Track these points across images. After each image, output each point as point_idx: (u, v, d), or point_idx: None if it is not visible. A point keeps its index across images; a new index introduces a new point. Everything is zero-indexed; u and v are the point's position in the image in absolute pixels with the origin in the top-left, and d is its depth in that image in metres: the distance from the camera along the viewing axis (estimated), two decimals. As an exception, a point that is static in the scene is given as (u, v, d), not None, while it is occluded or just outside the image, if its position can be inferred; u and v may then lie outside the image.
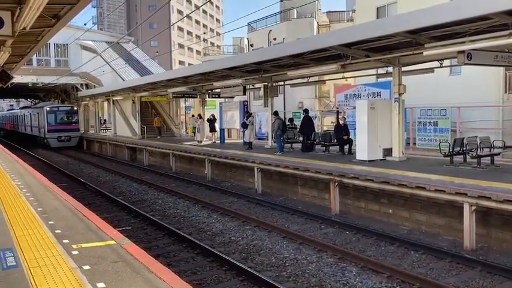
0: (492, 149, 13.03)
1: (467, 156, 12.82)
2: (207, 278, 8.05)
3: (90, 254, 5.74)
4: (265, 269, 8.53)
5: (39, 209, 8.48)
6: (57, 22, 10.34)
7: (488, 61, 11.41)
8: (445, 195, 9.77)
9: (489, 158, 12.75)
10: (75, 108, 38.74)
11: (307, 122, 18.20)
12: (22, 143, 42.76)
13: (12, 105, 75.63)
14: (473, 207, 9.27)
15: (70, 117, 37.48)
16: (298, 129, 18.94)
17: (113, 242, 6.28)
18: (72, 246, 6.11)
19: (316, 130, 21.34)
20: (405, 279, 7.74)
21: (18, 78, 28.17)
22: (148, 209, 13.90)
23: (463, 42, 10.34)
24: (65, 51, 40.31)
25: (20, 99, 67.52)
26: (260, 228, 11.34)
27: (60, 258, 5.63)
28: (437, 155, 14.01)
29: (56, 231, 6.86)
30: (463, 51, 10.63)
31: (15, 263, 5.44)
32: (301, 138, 18.69)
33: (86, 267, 5.27)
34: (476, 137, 13.32)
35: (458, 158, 13.02)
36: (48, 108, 36.75)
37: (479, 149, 12.71)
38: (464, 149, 12.82)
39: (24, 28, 8.77)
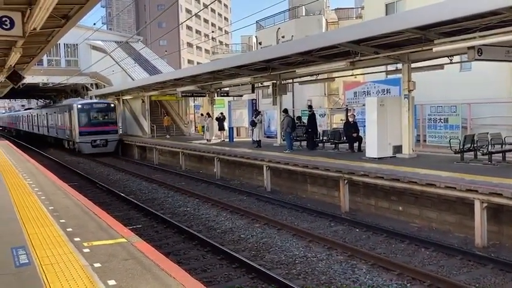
0: (504, 146, 12.90)
1: (478, 153, 12.71)
2: (217, 275, 8.08)
3: (101, 252, 5.79)
4: (275, 266, 8.54)
5: (50, 208, 8.58)
6: (67, 22, 10.41)
7: (499, 56, 11.30)
8: (456, 192, 9.69)
9: (500, 154, 12.63)
10: (113, 104, 31.35)
11: (313, 118, 18.23)
12: (41, 146, 38.19)
13: (23, 106, 76.24)
14: (485, 204, 9.19)
15: (106, 116, 30.46)
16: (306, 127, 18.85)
17: (123, 240, 6.33)
18: (83, 244, 6.17)
19: (325, 128, 21.32)
20: (416, 276, 7.70)
21: (29, 79, 28.45)
22: (159, 207, 13.97)
23: (473, 38, 10.23)
24: (75, 51, 40.62)
25: (31, 100, 67.89)
26: (270, 226, 11.34)
27: (72, 256, 5.69)
28: (447, 152, 13.90)
29: (68, 230, 6.94)
30: (473, 47, 10.55)
31: (27, 261, 5.51)
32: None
33: (97, 264, 5.33)
34: (487, 133, 13.19)
35: (469, 155, 12.92)
36: (79, 106, 29.66)
37: (490, 146, 12.59)
38: (475, 145, 12.71)
39: (35, 29, 8.85)
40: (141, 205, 13.85)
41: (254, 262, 8.49)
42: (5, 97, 48.73)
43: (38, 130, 43.78)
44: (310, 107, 19.34)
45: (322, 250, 9.37)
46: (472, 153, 12.86)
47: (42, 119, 41.56)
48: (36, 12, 7.80)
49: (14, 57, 12.56)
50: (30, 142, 42.42)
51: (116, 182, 19.46)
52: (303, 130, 19.05)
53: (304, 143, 19.17)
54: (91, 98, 33.33)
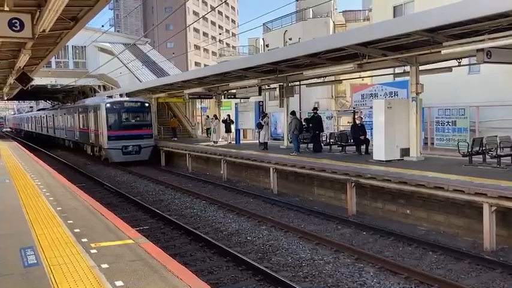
0: (513, 149, 12.80)
1: (487, 156, 12.61)
2: (223, 277, 8.08)
3: (108, 253, 5.81)
4: (282, 269, 8.52)
5: (58, 209, 8.63)
6: (76, 24, 10.49)
7: (509, 59, 11.21)
8: (464, 195, 9.62)
9: (510, 157, 12.53)
10: (147, 103, 26.59)
11: (319, 120, 18.22)
12: (57, 150, 36.16)
13: (32, 107, 76.58)
14: (493, 208, 9.11)
15: (140, 117, 25.83)
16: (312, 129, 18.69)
17: (130, 241, 6.35)
18: (91, 245, 6.20)
19: (332, 130, 21.27)
20: (423, 280, 7.65)
21: (37, 80, 28.64)
22: (165, 209, 14.00)
23: (482, 40, 10.17)
24: (83, 53, 40.85)
25: (39, 101, 68.10)
26: (276, 228, 11.33)
27: (79, 256, 5.71)
28: (455, 155, 13.81)
29: (75, 230, 6.97)
30: (482, 49, 10.46)
31: (36, 261, 5.55)
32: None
33: (105, 265, 5.34)
34: (496, 136, 13.09)
35: (477, 158, 12.82)
36: (108, 105, 24.91)
37: (499, 149, 12.49)
38: (483, 148, 12.62)
39: (44, 30, 8.92)
40: (149, 206, 13.89)
41: (261, 264, 8.48)
42: (13, 98, 49.12)
43: (54, 133, 40.35)
44: (315, 109, 19.30)
45: (329, 253, 9.34)
46: (481, 156, 12.76)
47: (58, 121, 38.01)
48: (46, 14, 7.86)
49: (23, 59, 12.66)
50: (43, 145, 40.17)
51: (123, 184, 19.53)
52: (310, 133, 18.91)
53: (310, 145, 19.13)
54: (120, 96, 27.25)
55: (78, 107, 31.52)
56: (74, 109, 32.73)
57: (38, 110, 59.03)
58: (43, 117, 46.25)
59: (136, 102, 26.34)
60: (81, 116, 29.87)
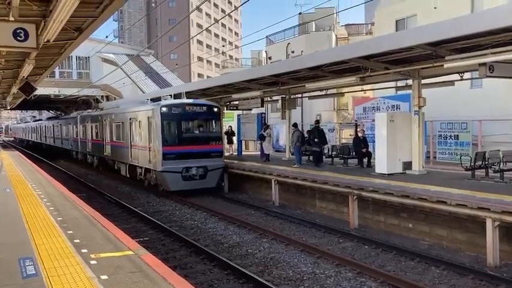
0: (515, 163, 12.73)
1: (490, 170, 12.55)
2: (223, 290, 7.99)
3: (108, 264, 5.77)
4: (283, 282, 8.44)
5: (58, 219, 8.59)
6: (80, 35, 10.56)
7: (511, 73, 11.22)
8: (467, 209, 9.55)
9: (513, 172, 12.46)
10: (216, 107, 19.10)
11: (323, 133, 18.17)
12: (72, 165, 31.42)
13: (34, 116, 76.70)
14: (497, 223, 9.03)
15: (205, 127, 18.83)
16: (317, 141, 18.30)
17: (130, 253, 6.30)
18: (91, 255, 6.15)
19: (334, 142, 21.23)
20: (426, 295, 7.55)
21: (40, 90, 28.78)
22: (166, 220, 13.93)
23: (485, 55, 10.18)
24: (87, 63, 41.13)
25: (42, 111, 68.35)
26: (277, 241, 11.24)
27: (79, 267, 5.67)
28: (458, 169, 13.75)
29: (75, 241, 6.93)
30: (484, 64, 10.48)
31: (34, 272, 5.50)
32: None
33: (104, 276, 5.30)
34: (499, 150, 13.04)
35: (480, 172, 12.76)
36: (164, 109, 17.53)
37: (502, 163, 12.43)
38: (486, 162, 12.56)
39: (48, 41, 8.98)
40: (149, 217, 13.82)
41: (261, 277, 8.39)
42: (16, 108, 49.33)
43: (70, 146, 34.03)
44: (317, 122, 19.26)
45: (331, 266, 9.25)
46: (484, 170, 12.69)
47: (75, 131, 31.99)
48: (51, 25, 7.92)
49: (27, 69, 12.75)
50: (58, 159, 36.06)
51: (124, 194, 19.45)
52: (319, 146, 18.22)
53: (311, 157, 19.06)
54: (174, 97, 19.79)
55: (109, 114, 24.32)
56: (100, 117, 25.89)
57: (48, 118, 53.26)
58: (55, 126, 40.57)
59: (202, 105, 18.45)
60: (114, 125, 22.90)
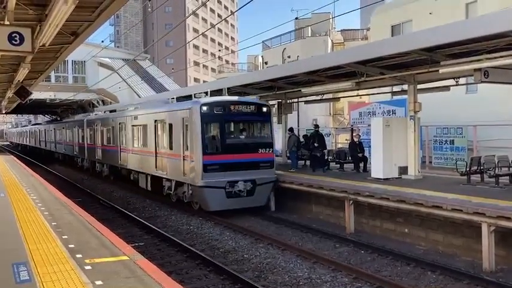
0: (511, 168, 12.78)
1: (485, 175, 12.59)
2: (219, 296, 7.95)
3: (103, 269, 5.72)
4: (279, 287, 8.40)
5: (53, 223, 8.53)
6: (76, 39, 10.55)
7: (506, 79, 11.30)
8: (463, 214, 9.57)
9: (508, 177, 12.50)
10: (266, 106, 15.78)
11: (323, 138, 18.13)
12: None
13: (30, 121, 76.17)
14: (492, 228, 9.05)
15: (254, 131, 15.74)
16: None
17: (125, 258, 6.26)
18: (85, 261, 6.10)
19: (330, 147, 21.24)
20: (422, 300, 7.53)
21: (36, 94, 28.67)
22: (161, 225, 13.86)
23: (480, 60, 10.24)
24: (83, 68, 41.06)
25: (38, 115, 67.88)
26: (273, 246, 11.20)
27: (73, 273, 5.62)
28: (453, 174, 13.78)
29: (70, 246, 6.88)
30: (479, 69, 10.54)
31: (28, 277, 5.45)
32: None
33: (99, 282, 5.25)
34: (494, 155, 13.09)
35: (475, 177, 12.79)
36: (204, 108, 14.27)
37: (497, 168, 12.47)
38: (481, 167, 12.60)
39: (44, 45, 8.96)
40: (145, 222, 13.75)
41: (257, 283, 8.36)
42: (11, 112, 49.08)
43: (75, 152, 31.13)
44: (317, 126, 19.18)
45: (327, 272, 9.23)
46: (479, 175, 12.73)
47: (81, 136, 28.99)
48: (46, 29, 7.90)
49: (22, 73, 12.70)
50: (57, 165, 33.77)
51: (119, 199, 19.37)
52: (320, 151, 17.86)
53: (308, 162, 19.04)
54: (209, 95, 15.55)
55: (124, 117, 21.18)
56: (113, 119, 22.79)
57: (48, 122, 50.13)
58: (55, 130, 37.79)
59: (250, 104, 15.10)
60: (132, 128, 19.84)
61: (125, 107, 23.88)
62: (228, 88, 16.73)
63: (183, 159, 14.75)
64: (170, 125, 15.80)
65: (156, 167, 17.01)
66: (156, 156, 17.04)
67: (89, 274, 5.55)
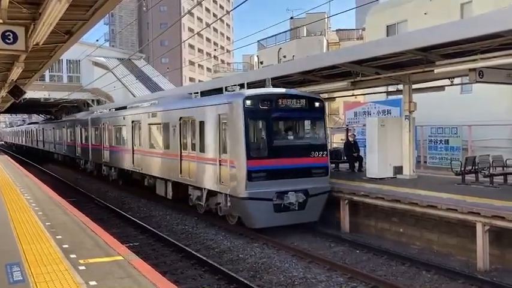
0: (505, 168, 12.84)
1: (480, 175, 12.63)
2: (214, 296, 7.93)
3: (97, 270, 5.69)
4: (274, 287, 8.39)
5: (47, 224, 8.48)
6: (70, 38, 10.48)
7: (500, 79, 11.35)
8: (457, 214, 9.60)
9: (502, 177, 12.56)
10: (319, 100, 13.18)
11: None
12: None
13: (24, 120, 75.68)
14: (487, 227, 9.08)
15: (305, 130, 13.61)
16: None
17: (120, 258, 6.22)
18: (80, 261, 6.07)
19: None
20: (417, 300, 7.54)
21: (30, 94, 28.53)
22: (156, 225, 13.82)
23: (475, 60, 10.28)
24: (77, 67, 40.88)
25: (32, 114, 67.37)
26: (268, 246, 11.19)
27: (67, 273, 5.58)
28: (448, 174, 13.82)
29: (64, 246, 6.83)
30: (474, 69, 10.58)
31: (21, 278, 5.40)
32: None
33: (93, 283, 5.22)
34: (489, 155, 13.15)
35: (470, 177, 12.84)
36: (248, 102, 11.75)
37: (491, 168, 12.52)
38: (476, 167, 12.65)
39: (38, 44, 8.89)
40: (139, 222, 13.71)
41: (252, 283, 8.35)
42: (5, 112, 48.80)
43: (77, 153, 28.65)
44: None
45: (322, 271, 9.23)
46: (473, 175, 12.78)
47: (84, 136, 26.83)
48: (40, 27, 7.84)
49: (16, 72, 12.61)
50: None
51: (114, 199, 19.30)
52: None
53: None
54: (239, 87, 13.54)
55: (139, 114, 18.86)
56: (124, 117, 20.40)
57: (44, 120, 48.05)
58: (54, 130, 35.60)
59: (300, 97, 12.69)
60: (150, 128, 17.41)
61: (138, 103, 20.97)
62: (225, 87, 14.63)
63: (219, 165, 12.30)
64: (201, 123, 13.42)
65: (180, 173, 14.55)
66: (181, 159, 14.55)
67: (83, 274, 5.51)
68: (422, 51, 11.14)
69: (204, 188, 13.38)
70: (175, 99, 17.59)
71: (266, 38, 40.65)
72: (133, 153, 19.07)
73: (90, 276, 5.44)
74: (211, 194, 13.18)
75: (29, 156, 42.71)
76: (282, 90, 13.18)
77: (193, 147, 13.97)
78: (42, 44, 9.26)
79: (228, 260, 10.18)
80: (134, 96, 33.95)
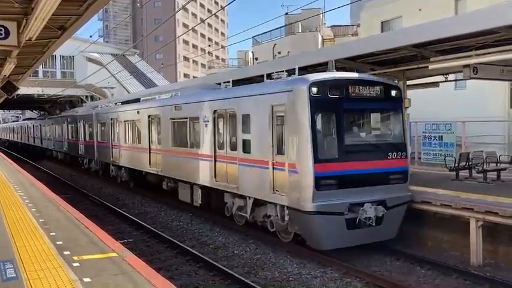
0: (498, 164, 12.90)
1: (473, 171, 12.69)
2: (209, 292, 7.93)
3: (91, 266, 5.67)
4: (269, 283, 8.41)
5: (41, 220, 8.44)
6: (63, 33, 10.38)
7: (494, 75, 11.38)
8: (451, 210, 9.63)
9: (495, 172, 12.62)
10: (396, 86, 10.60)
11: None
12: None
13: (18, 117, 75.01)
14: (480, 223, 9.13)
15: (378, 124, 11.04)
16: None
17: (114, 255, 6.20)
18: (73, 258, 6.04)
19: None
20: (411, 295, 7.57)
21: (23, 90, 28.34)
22: (151, 221, 13.79)
23: (469, 56, 10.30)
24: (71, 63, 40.68)
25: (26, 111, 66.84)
26: (263, 242, 11.19)
27: (61, 270, 5.55)
28: (442, 170, 13.88)
29: (57, 243, 6.80)
30: (468, 65, 10.60)
31: (15, 275, 5.37)
32: None
33: (87, 279, 5.20)
34: (482, 151, 13.20)
35: (464, 173, 12.89)
36: (315, 90, 9.25)
37: (485, 164, 12.58)
38: (470, 163, 12.70)
39: (30, 39, 8.81)
40: (134, 218, 13.67)
41: (247, 279, 8.35)
42: (-3, 108, 48.50)
43: (80, 151, 26.48)
44: None
45: (317, 267, 9.24)
46: (467, 171, 12.83)
47: (88, 132, 24.69)
48: (32, 22, 7.76)
49: (8, 68, 12.50)
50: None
51: (109, 195, 19.24)
52: None
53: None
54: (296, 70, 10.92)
55: (155, 108, 16.62)
56: (138, 112, 17.88)
57: (43, 115, 45.23)
58: (53, 126, 33.08)
59: (375, 84, 10.23)
60: (177, 124, 14.94)
61: (154, 95, 18.64)
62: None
63: (273, 168, 9.98)
64: (244, 117, 11.11)
65: (215, 177, 12.31)
66: (215, 161, 12.33)
67: (77, 271, 5.49)
68: (417, 48, 11.16)
69: (249, 197, 11.03)
70: (202, 89, 15.05)
71: (261, 34, 40.61)
72: (149, 152, 16.72)
73: (84, 272, 5.42)
74: (258, 203, 10.91)
75: (23, 153, 41.55)
76: (354, 74, 10.86)
77: (233, 147, 11.59)
78: (35, 40, 9.18)
79: (223, 256, 10.18)
80: (129, 92, 33.81)
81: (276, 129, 10.09)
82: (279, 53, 35.85)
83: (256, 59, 39.58)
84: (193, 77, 75.68)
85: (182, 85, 21.45)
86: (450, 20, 10.21)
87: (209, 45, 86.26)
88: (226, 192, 12.09)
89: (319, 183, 9.04)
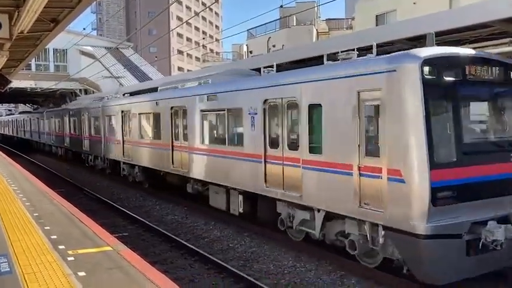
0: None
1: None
2: (204, 285, 7.95)
3: (86, 260, 5.66)
4: (264, 276, 8.43)
5: (35, 214, 8.41)
6: (56, 26, 10.31)
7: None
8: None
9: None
10: None
11: None
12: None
13: (10, 110, 74.37)
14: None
15: (503, 117, 8.09)
16: None
17: (109, 248, 6.20)
18: (68, 252, 6.04)
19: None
20: (405, 288, 7.59)
21: (16, 83, 28.15)
22: (146, 215, 13.78)
23: (463, 50, 10.32)
24: (64, 56, 40.40)
25: (19, 104, 66.34)
26: (259, 235, 11.21)
27: (56, 264, 5.54)
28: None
29: (52, 237, 6.79)
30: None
31: (8, 269, 5.36)
32: None
33: (81, 273, 5.20)
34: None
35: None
36: (428, 69, 6.91)
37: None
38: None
39: (22, 32, 8.74)
40: (129, 212, 13.65)
41: (242, 272, 8.37)
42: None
43: (84, 147, 24.49)
44: None
45: (312, 260, 9.27)
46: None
47: (94, 126, 22.81)
48: (24, 15, 7.69)
49: (0, 61, 12.39)
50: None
51: (103, 189, 19.18)
52: None
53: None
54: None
55: (182, 98, 14.12)
56: (157, 102, 15.55)
57: (41, 108, 42.97)
58: (54, 119, 31.19)
59: (497, 64, 7.85)
60: (210, 116, 12.93)
61: (176, 84, 15.75)
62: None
63: (359, 174, 7.74)
64: (312, 108, 8.90)
65: (265, 182, 10.15)
66: (265, 162, 10.18)
67: (72, 265, 5.49)
68: (411, 41, 11.15)
69: (319, 209, 8.81)
70: (238, 76, 12.93)
71: (256, 27, 40.48)
72: (172, 150, 14.55)
73: (78, 267, 5.42)
74: (330, 217, 8.73)
75: (17, 147, 40.77)
76: (469, 50, 8.20)
77: (293, 145, 9.43)
78: (27, 32, 9.11)
79: (218, 249, 10.19)
80: (122, 86, 33.67)
81: (364, 124, 7.72)
82: (274, 46, 35.79)
83: (251, 52, 39.48)
84: (188, 70, 75.41)
85: (207, 72, 17.31)
86: (444, 14, 10.21)
87: (203, 38, 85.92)
88: (280, 200, 10.02)
89: (436, 195, 6.79)
